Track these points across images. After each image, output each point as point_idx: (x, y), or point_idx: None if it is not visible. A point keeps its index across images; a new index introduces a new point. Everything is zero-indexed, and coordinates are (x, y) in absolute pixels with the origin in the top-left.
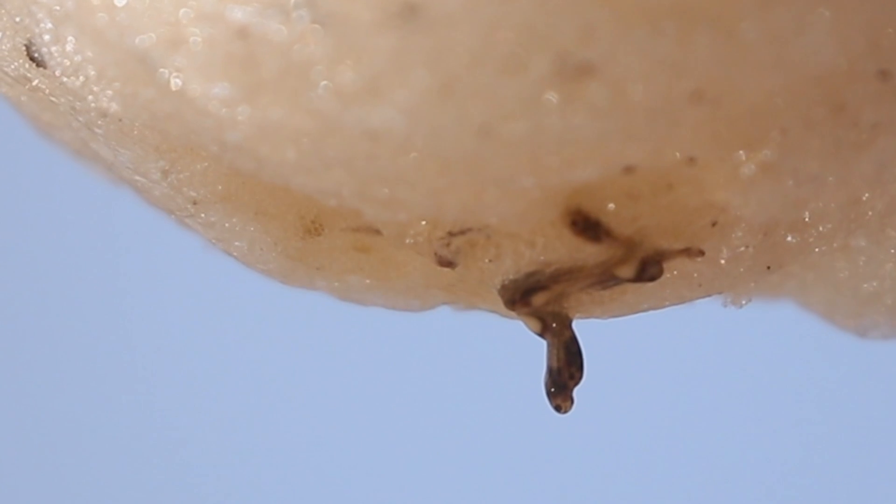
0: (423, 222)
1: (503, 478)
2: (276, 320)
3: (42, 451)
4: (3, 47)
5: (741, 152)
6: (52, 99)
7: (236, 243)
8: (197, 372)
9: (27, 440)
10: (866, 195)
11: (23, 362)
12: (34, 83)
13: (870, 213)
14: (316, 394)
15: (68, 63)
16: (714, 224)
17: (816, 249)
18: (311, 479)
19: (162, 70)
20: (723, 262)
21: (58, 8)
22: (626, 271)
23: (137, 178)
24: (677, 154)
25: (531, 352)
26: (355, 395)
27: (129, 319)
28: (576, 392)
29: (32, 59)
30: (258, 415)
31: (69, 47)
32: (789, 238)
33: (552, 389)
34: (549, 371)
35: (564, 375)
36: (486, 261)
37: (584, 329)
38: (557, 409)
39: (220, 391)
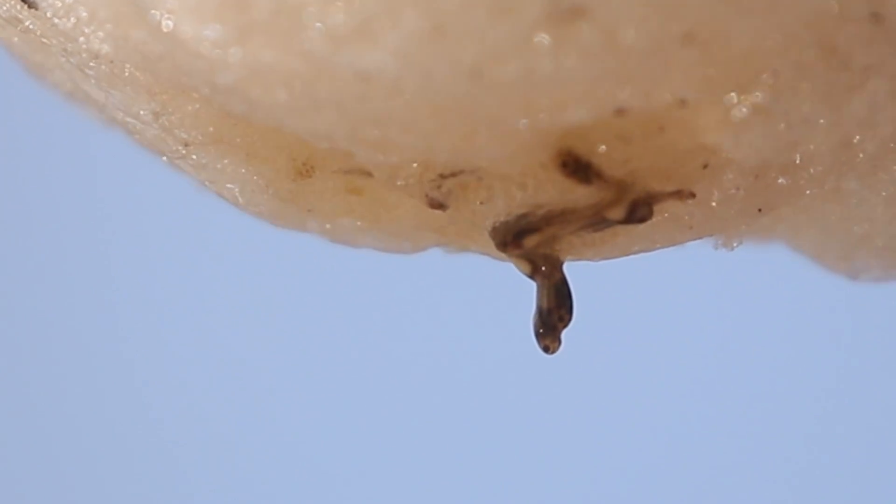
0: (415, 164)
1: (491, 420)
2: (268, 262)
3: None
4: None
5: (732, 95)
6: (44, 40)
7: (228, 185)
8: (188, 313)
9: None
10: (857, 138)
11: (15, 303)
12: (26, 24)
13: (861, 155)
14: (307, 335)
15: (60, 4)
16: (705, 166)
17: (808, 192)
18: (303, 421)
19: (153, 12)
20: (714, 204)
21: None
22: (616, 213)
23: (129, 119)
24: (669, 96)
25: (521, 294)
26: (347, 337)
27: (120, 261)
28: (564, 334)
29: (24, 0)
30: (249, 357)
31: None
32: (780, 180)
33: (541, 330)
34: (539, 312)
35: (554, 317)
36: (478, 203)
37: (575, 272)
38: (545, 349)
39: (212, 332)
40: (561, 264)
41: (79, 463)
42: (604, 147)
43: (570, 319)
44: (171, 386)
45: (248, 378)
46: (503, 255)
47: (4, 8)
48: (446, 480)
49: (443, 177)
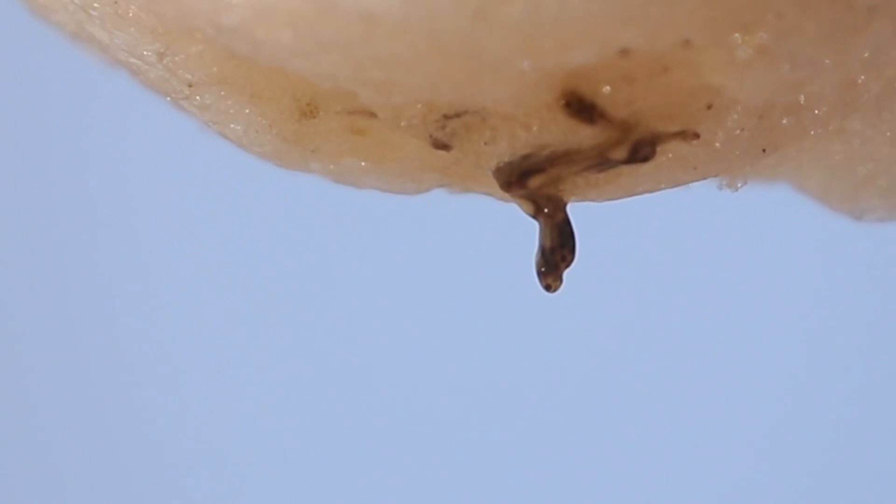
0: (419, 105)
1: (492, 358)
2: (272, 203)
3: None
4: None
5: (737, 35)
6: None
7: (232, 126)
8: (193, 252)
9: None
10: (862, 78)
11: (15, 245)
12: None
13: (865, 96)
14: (309, 276)
15: None
16: (709, 107)
17: (812, 132)
18: (300, 368)
19: None
20: (718, 144)
21: None
22: (620, 153)
23: (133, 60)
24: (673, 37)
25: (525, 235)
26: (349, 277)
27: (126, 200)
28: (566, 274)
29: None
30: (253, 296)
31: None
32: (785, 121)
33: (542, 269)
34: (542, 251)
35: (556, 256)
36: (482, 143)
37: (579, 213)
38: (547, 288)
39: (215, 272)
40: (564, 205)
41: (56, 433)
42: (608, 88)
43: (572, 259)
44: (166, 330)
45: (247, 319)
46: (507, 195)
47: None
48: (449, 421)
49: (447, 117)
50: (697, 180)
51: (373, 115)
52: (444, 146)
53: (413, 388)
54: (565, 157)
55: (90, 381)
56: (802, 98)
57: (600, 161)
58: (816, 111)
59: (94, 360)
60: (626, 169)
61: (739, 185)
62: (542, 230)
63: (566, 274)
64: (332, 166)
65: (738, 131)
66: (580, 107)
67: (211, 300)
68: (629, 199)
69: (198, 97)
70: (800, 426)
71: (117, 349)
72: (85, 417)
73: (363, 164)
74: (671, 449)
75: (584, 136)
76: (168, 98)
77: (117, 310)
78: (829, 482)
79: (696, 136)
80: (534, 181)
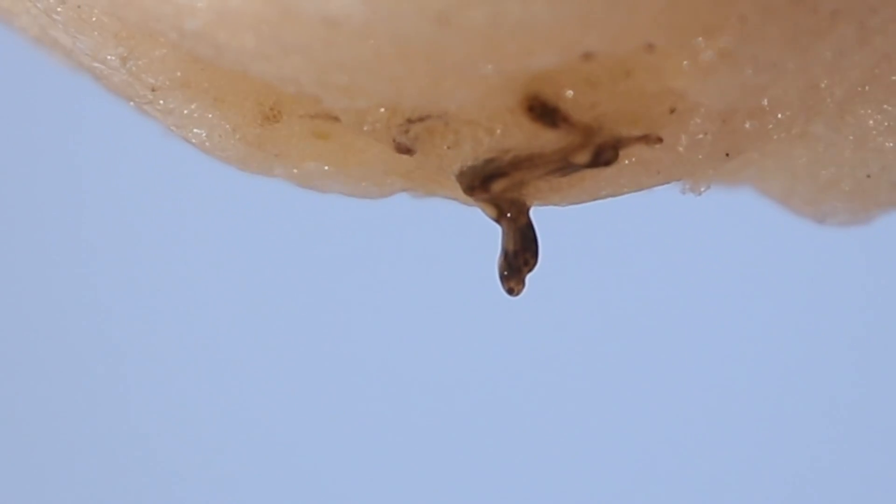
0: (382, 109)
1: (453, 362)
2: (235, 207)
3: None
4: None
5: (700, 39)
6: None
7: (195, 130)
8: (154, 258)
9: None
10: (825, 82)
11: None
12: None
13: (828, 99)
14: (272, 280)
15: None
16: (672, 111)
17: (775, 136)
18: (270, 364)
19: None
20: (681, 149)
21: None
22: (582, 157)
23: (96, 64)
24: (636, 41)
25: (488, 239)
26: (312, 281)
27: (87, 205)
28: (529, 278)
29: None
30: (213, 299)
31: None
32: (748, 125)
33: (505, 273)
34: (504, 255)
35: (519, 260)
36: (445, 147)
37: (543, 217)
38: (510, 292)
39: (176, 277)
40: (527, 209)
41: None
42: (571, 92)
43: (535, 263)
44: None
45: (210, 319)
46: (470, 199)
47: None
48: (413, 422)
49: (410, 122)
50: (661, 184)
51: (336, 119)
52: (408, 150)
53: (372, 389)
54: (528, 162)
55: (58, 387)
56: (766, 102)
57: (563, 165)
58: (779, 115)
59: (55, 365)
60: (589, 173)
61: (702, 189)
62: (504, 234)
63: (529, 278)
64: (295, 170)
65: (701, 135)
66: (543, 111)
67: (168, 305)
68: (593, 203)
69: (161, 101)
70: (754, 423)
71: (77, 348)
72: (58, 437)
73: (326, 168)
74: (633, 451)
75: (547, 140)
76: (131, 102)
77: (69, 309)
78: (791, 482)
79: (659, 140)
80: (497, 185)
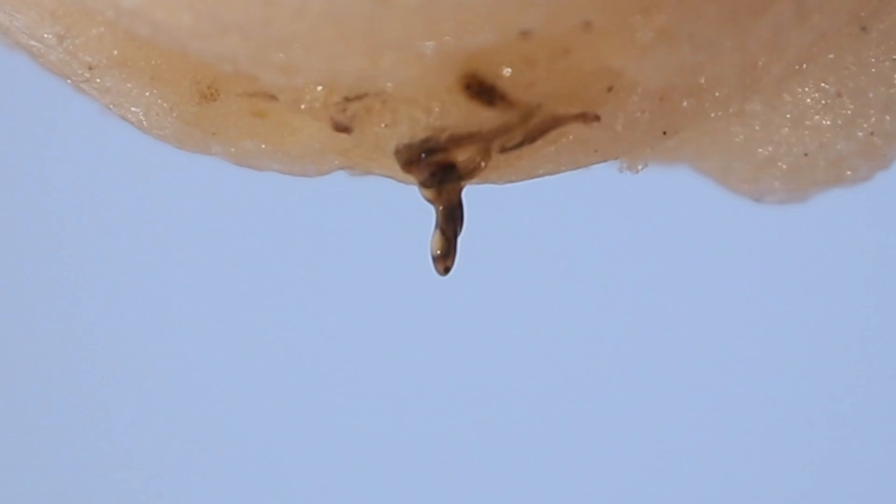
0: (320, 87)
1: (387, 343)
2: (173, 186)
3: None
4: None
5: (637, 17)
6: None
7: (132, 109)
8: (94, 236)
9: None
10: (762, 60)
11: None
12: None
13: (766, 78)
14: (212, 257)
15: None
16: (610, 89)
17: (712, 114)
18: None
19: None
20: (619, 127)
21: None
22: (520, 135)
23: (33, 43)
24: (573, 19)
25: (423, 215)
26: (250, 261)
27: (25, 184)
28: (473, 257)
29: None
30: (152, 274)
31: None
32: (685, 103)
33: (437, 252)
34: (435, 234)
35: (449, 237)
36: (382, 126)
37: (479, 195)
38: (444, 271)
39: (118, 256)
40: (460, 188)
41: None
42: (509, 70)
43: (453, 245)
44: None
45: (156, 299)
46: (408, 177)
47: None
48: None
49: (347, 100)
50: (598, 162)
51: (273, 97)
52: (345, 129)
53: (306, 376)
54: (466, 140)
55: (33, 386)
56: (703, 80)
57: (501, 143)
58: (717, 93)
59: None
60: (526, 151)
61: (640, 167)
62: (436, 213)
63: (460, 257)
64: (232, 149)
65: (638, 114)
66: (480, 89)
67: (107, 290)
68: (529, 181)
69: (98, 80)
70: (694, 414)
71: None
72: (49, 437)
73: (264, 146)
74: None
75: (485, 118)
76: (68, 81)
77: (24, 305)
78: (747, 478)
79: (597, 118)
80: (433, 161)
